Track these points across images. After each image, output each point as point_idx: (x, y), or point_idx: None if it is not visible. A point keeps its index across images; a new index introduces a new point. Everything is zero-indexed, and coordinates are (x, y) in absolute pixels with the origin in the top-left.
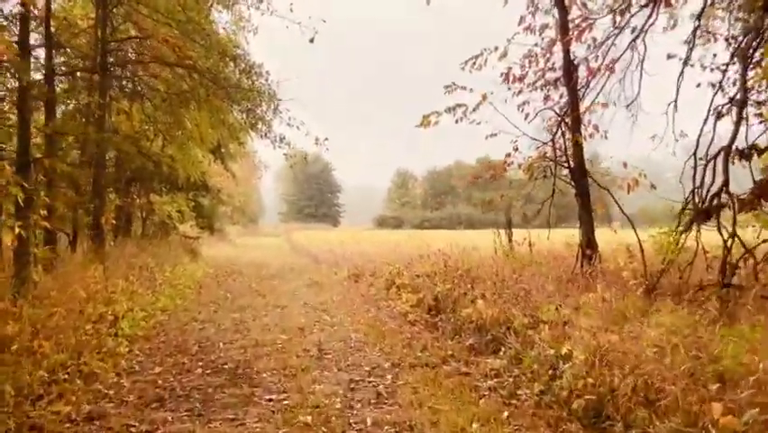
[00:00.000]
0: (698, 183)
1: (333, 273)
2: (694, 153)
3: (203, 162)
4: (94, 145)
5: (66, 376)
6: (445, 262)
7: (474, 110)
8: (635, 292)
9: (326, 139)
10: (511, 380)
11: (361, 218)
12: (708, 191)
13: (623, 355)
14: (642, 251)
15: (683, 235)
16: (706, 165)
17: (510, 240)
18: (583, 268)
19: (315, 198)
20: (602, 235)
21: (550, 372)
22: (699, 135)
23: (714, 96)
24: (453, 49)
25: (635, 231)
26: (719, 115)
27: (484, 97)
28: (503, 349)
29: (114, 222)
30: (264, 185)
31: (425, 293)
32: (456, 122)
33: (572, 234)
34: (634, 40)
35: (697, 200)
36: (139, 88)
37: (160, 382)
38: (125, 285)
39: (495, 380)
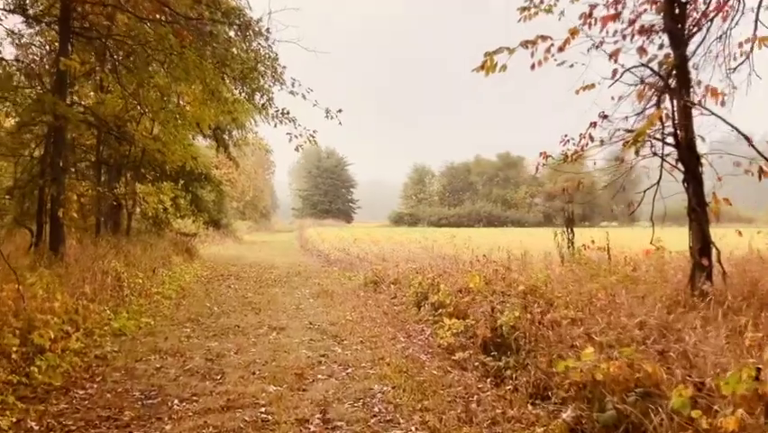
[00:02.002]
0: None
1: (347, 279)
2: None
3: (193, 146)
4: (48, 116)
5: None
6: (503, 276)
7: (560, 50)
8: None
9: (340, 111)
10: None
11: (373, 214)
12: None
13: None
14: None
15: None
16: None
17: (572, 243)
18: (695, 289)
19: (330, 193)
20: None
21: None
22: None
23: None
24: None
25: None
26: None
27: (574, 33)
28: None
29: (75, 214)
30: (279, 180)
31: (475, 318)
32: (533, 67)
33: (657, 235)
34: None
35: None
36: (103, 41)
37: None
38: (70, 300)
39: None
